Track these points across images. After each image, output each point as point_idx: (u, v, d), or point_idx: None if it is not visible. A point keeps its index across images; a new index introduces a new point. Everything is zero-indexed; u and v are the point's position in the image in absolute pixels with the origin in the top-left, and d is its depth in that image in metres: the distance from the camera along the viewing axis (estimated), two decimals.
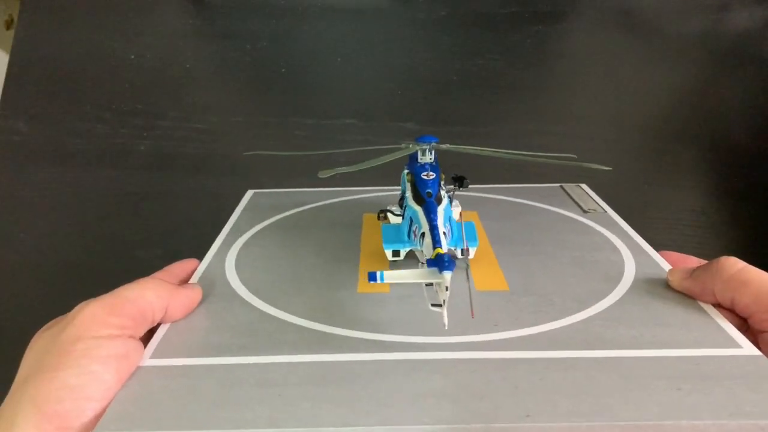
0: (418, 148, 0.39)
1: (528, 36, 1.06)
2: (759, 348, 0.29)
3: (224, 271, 0.39)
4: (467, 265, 0.27)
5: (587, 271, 0.38)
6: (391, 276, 0.27)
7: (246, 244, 0.43)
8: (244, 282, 0.37)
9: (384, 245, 0.37)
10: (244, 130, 0.74)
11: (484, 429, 0.24)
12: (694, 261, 0.37)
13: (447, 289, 0.27)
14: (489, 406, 0.25)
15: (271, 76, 0.88)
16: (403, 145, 0.41)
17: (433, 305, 0.28)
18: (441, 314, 0.27)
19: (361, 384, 0.26)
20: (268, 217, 0.47)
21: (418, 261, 0.37)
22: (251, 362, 0.28)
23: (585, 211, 0.48)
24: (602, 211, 0.48)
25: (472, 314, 0.27)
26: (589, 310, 0.33)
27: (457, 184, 0.46)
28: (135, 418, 0.25)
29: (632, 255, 0.39)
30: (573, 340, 0.30)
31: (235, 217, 0.47)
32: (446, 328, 0.27)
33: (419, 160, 0.40)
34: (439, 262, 0.26)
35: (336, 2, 1.10)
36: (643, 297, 0.34)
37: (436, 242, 0.31)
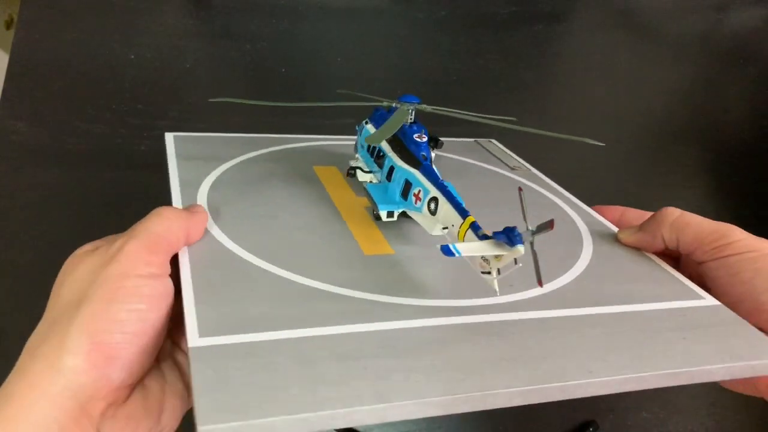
0: (409, 108, 0.39)
1: (528, 36, 1.06)
2: (701, 278, 0.36)
3: (210, 231, 0.36)
4: (532, 237, 0.29)
5: (553, 232, 0.40)
6: (466, 249, 0.28)
7: (211, 206, 0.39)
8: (245, 247, 0.35)
9: (379, 206, 0.37)
10: (244, 130, 0.74)
11: (560, 388, 0.27)
12: (618, 210, 0.44)
13: (516, 261, 0.29)
14: (555, 365, 0.28)
15: (271, 76, 0.88)
16: (385, 104, 0.41)
17: (483, 273, 0.29)
18: (492, 281, 0.29)
19: (434, 352, 0.27)
20: (213, 169, 0.44)
21: (412, 221, 0.38)
22: (313, 335, 0.28)
23: (512, 168, 0.52)
24: (526, 168, 0.52)
25: (541, 283, 0.28)
26: (575, 268, 0.37)
27: (432, 144, 0.47)
28: (234, 406, 0.23)
29: (575, 212, 0.45)
30: (585, 297, 0.33)
31: (175, 169, 0.43)
32: (498, 294, 0.30)
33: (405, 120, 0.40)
34: (511, 236, 0.28)
35: (336, 2, 1.10)
36: (608, 254, 0.39)
37: (464, 211, 0.32)
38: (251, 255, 0.34)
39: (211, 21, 0.99)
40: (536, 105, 0.87)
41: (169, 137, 0.50)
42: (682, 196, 0.72)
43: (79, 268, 0.30)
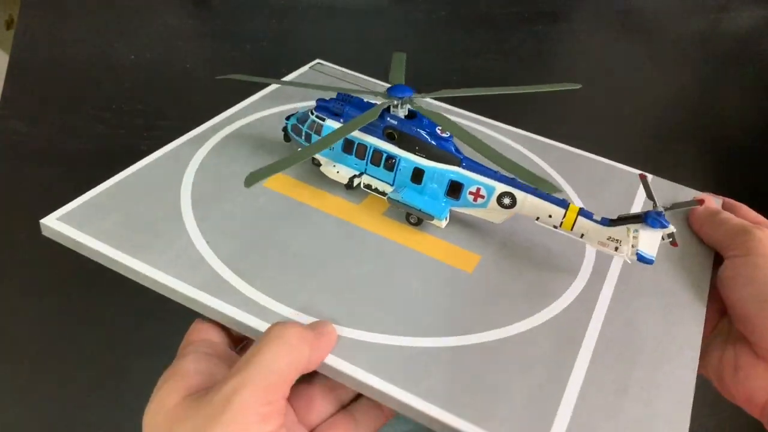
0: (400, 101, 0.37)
1: (528, 36, 1.06)
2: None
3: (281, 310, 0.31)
4: (663, 210, 0.32)
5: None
6: (649, 247, 0.32)
7: (226, 268, 0.33)
8: (374, 329, 0.30)
9: (439, 216, 0.35)
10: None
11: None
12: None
13: (665, 238, 0.32)
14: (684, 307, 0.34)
15: (271, 76, 0.87)
16: (380, 102, 0.37)
17: (617, 249, 0.32)
18: (627, 256, 0.32)
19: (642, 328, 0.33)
20: (180, 247, 0.34)
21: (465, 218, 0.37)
22: (570, 372, 0.29)
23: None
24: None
25: (676, 244, 0.34)
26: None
27: None
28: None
29: (513, 141, 0.48)
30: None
31: (144, 266, 0.32)
32: (630, 262, 0.33)
33: (398, 114, 0.37)
34: (662, 220, 0.31)
35: (336, 2, 1.09)
36: (570, 172, 0.45)
37: (561, 201, 0.33)
38: (397, 337, 0.30)
39: (211, 21, 0.99)
40: (536, 105, 0.86)
41: (51, 221, 0.36)
42: None
43: (180, 427, 0.25)
